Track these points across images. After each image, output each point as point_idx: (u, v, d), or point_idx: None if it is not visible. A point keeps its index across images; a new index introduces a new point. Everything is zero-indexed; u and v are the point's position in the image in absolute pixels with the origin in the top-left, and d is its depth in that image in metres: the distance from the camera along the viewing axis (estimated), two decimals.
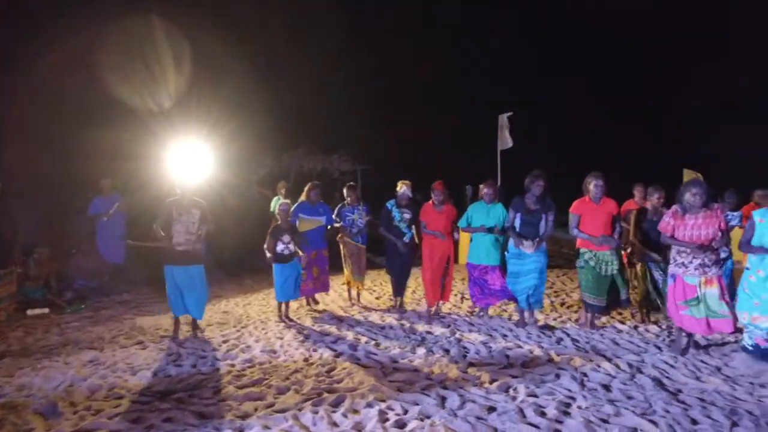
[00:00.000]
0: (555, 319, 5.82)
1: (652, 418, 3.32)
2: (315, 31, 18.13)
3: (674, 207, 4.52)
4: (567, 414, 3.37)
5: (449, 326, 5.52)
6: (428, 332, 5.32)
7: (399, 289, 6.21)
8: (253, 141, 13.43)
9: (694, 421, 3.29)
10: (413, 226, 6.13)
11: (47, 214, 7.86)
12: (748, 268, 4.32)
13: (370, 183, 15.23)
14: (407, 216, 6.00)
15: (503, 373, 4.09)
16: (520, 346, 4.83)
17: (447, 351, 4.68)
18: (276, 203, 7.52)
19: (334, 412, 3.44)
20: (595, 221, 5.14)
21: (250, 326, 5.61)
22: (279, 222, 5.78)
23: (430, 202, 5.90)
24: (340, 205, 6.55)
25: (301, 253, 5.78)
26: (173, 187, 5.39)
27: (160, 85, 11.16)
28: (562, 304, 6.57)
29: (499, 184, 10.10)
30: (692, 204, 4.36)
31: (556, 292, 7.31)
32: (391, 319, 5.84)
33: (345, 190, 6.59)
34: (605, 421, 3.27)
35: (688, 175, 12.88)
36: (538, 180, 5.24)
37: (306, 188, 6.29)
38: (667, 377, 4.05)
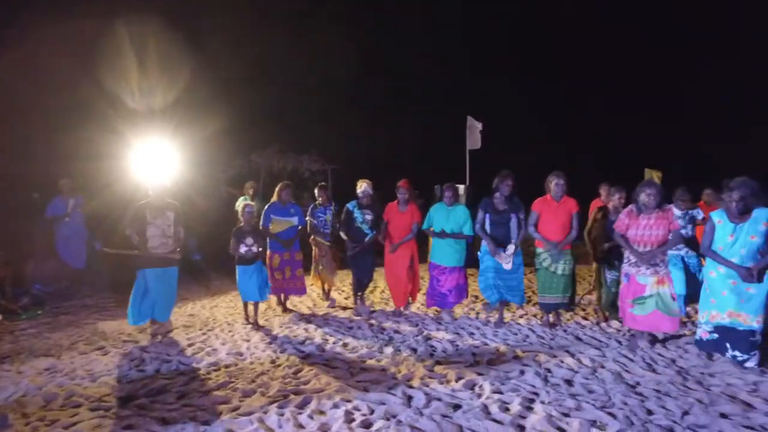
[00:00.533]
0: (522, 317, 5.92)
1: (611, 410, 3.41)
2: (285, 29, 17.98)
3: (630, 206, 4.63)
4: (530, 409, 3.44)
5: (417, 325, 5.56)
6: (396, 331, 5.35)
7: (360, 287, 6.17)
8: (223, 140, 13.24)
9: (650, 412, 3.40)
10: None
11: (1, 216, 7.57)
12: (706, 266, 4.40)
13: (341, 183, 15.19)
14: (369, 217, 5.95)
15: (469, 371, 4.15)
16: (486, 344, 4.90)
17: (414, 350, 4.71)
18: (242, 203, 7.42)
19: (300, 413, 3.42)
20: (555, 220, 5.21)
21: (217, 329, 5.53)
22: (242, 223, 5.67)
23: (395, 202, 5.89)
24: (312, 206, 6.52)
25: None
26: (140, 188, 5.27)
27: (124, 84, 10.89)
28: (529, 302, 6.68)
29: (467, 184, 10.24)
30: (647, 204, 4.45)
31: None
32: (359, 319, 5.84)
33: (316, 191, 6.57)
34: (566, 415, 3.35)
35: (649, 174, 13.31)
36: (507, 180, 5.28)
37: (277, 188, 6.22)
38: (626, 371, 4.17)
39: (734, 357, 4.11)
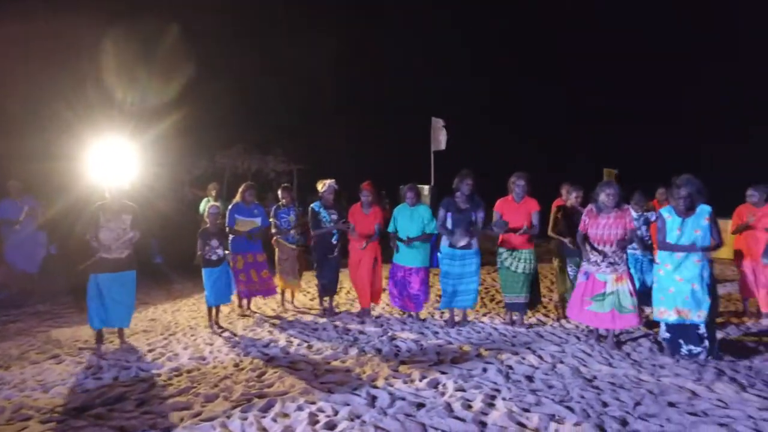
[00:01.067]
0: (485, 315, 6.03)
1: (569, 404, 3.53)
2: (250, 29, 17.74)
3: (590, 206, 4.76)
4: (492, 405, 3.51)
5: (382, 326, 5.59)
6: (361, 332, 5.36)
7: (327, 291, 6.11)
8: (186, 141, 12.96)
9: (605, 404, 3.53)
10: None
11: None
12: (657, 263, 4.53)
13: (306, 183, 15.09)
14: (335, 217, 5.92)
15: (433, 370, 4.20)
16: (450, 343, 4.97)
17: (379, 350, 4.74)
18: (205, 205, 7.28)
19: (264, 417, 3.39)
20: (516, 219, 5.28)
21: (179, 333, 5.42)
22: (207, 225, 5.58)
23: (358, 204, 5.89)
24: (275, 206, 6.45)
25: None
26: (97, 190, 5.09)
27: (80, 82, 10.52)
28: (492, 300, 6.81)
29: (432, 184, 10.34)
30: (606, 204, 4.59)
31: (486, 288, 7.57)
32: (324, 321, 5.83)
33: (280, 192, 6.51)
34: (527, 411, 3.44)
35: (608, 173, 13.75)
36: (467, 179, 5.32)
37: (240, 189, 6.14)
38: (584, 365, 4.31)
39: (690, 351, 4.31)
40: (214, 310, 5.60)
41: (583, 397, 3.66)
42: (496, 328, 5.45)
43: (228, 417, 3.40)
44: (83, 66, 10.48)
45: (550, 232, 5.74)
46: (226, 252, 5.55)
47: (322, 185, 5.95)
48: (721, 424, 3.22)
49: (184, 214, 10.57)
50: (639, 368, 4.21)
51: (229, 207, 6.04)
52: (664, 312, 4.39)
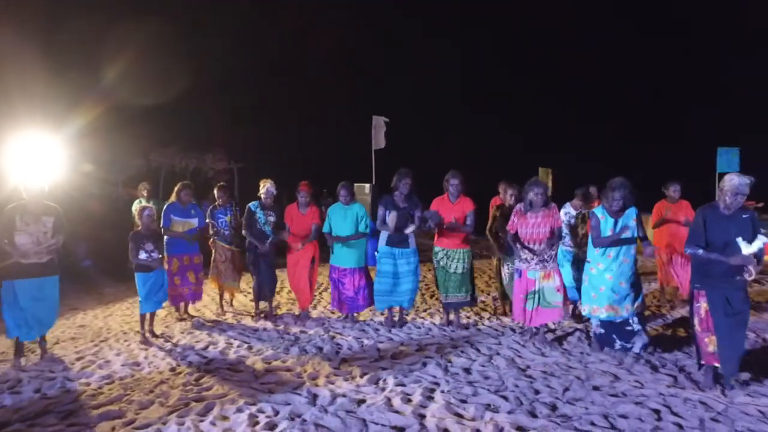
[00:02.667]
0: (425, 311, 6.16)
1: (504, 393, 3.69)
2: (190, 21, 17.15)
3: (519, 205, 4.86)
4: (431, 399, 3.61)
5: (324, 324, 5.59)
6: (302, 331, 5.35)
7: (263, 293, 5.92)
8: (119, 138, 12.35)
9: (537, 391, 3.73)
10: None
11: None
12: (588, 262, 4.60)
13: (247, 182, 14.78)
14: (272, 218, 5.79)
15: (374, 366, 4.26)
16: (391, 339, 5.06)
17: (320, 349, 4.75)
18: (137, 206, 6.97)
19: (202, 421, 3.33)
20: (451, 218, 5.26)
21: (111, 339, 5.19)
22: (140, 228, 5.24)
23: (294, 204, 5.79)
24: (211, 206, 6.28)
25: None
26: (14, 190, 4.73)
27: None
28: (432, 296, 6.96)
29: (373, 183, 10.43)
30: (535, 203, 4.70)
31: (427, 285, 7.72)
32: (264, 321, 5.76)
33: (216, 191, 6.32)
34: (464, 402, 3.57)
35: (543, 172, 14.35)
36: (406, 178, 5.29)
37: (176, 189, 5.92)
38: (518, 356, 4.51)
39: (623, 346, 4.47)
40: (147, 317, 5.30)
41: (517, 386, 3.83)
42: (435, 324, 5.58)
43: (164, 423, 3.31)
44: (6, 55, 9.76)
45: (487, 232, 5.79)
46: (160, 256, 5.28)
47: (263, 186, 5.81)
48: (637, 403, 3.50)
49: (119, 215, 10.07)
50: (569, 356, 4.47)
51: (165, 207, 5.83)
52: (597, 309, 4.48)
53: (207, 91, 16.63)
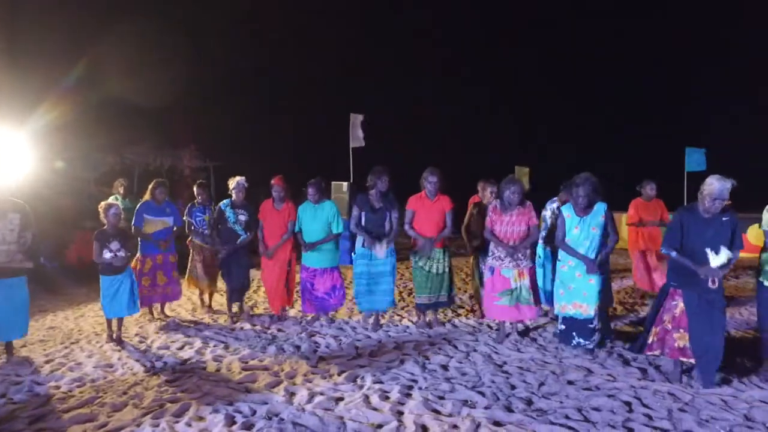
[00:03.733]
0: (403, 308, 6.19)
1: (481, 389, 3.73)
2: (166, 20, 16.82)
3: (494, 203, 4.85)
4: (409, 396, 3.63)
5: (301, 323, 5.56)
6: (280, 330, 5.32)
7: (234, 295, 5.72)
8: (91, 134, 12.05)
9: (513, 386, 3.78)
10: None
11: None
12: (559, 260, 4.59)
13: (223, 181, 14.61)
14: (243, 217, 5.60)
15: (352, 364, 4.26)
16: (369, 337, 5.06)
17: (298, 347, 4.73)
18: (110, 201, 6.80)
19: (177, 422, 3.28)
20: (430, 217, 5.18)
21: (82, 341, 5.07)
22: (106, 226, 4.92)
23: (270, 200, 5.60)
24: (190, 205, 6.17)
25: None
26: None
27: None
28: (410, 294, 6.99)
29: (351, 181, 10.40)
30: (511, 201, 4.69)
31: (404, 282, 7.76)
32: (241, 321, 5.70)
33: (195, 189, 6.22)
34: (441, 398, 3.59)
35: (519, 171, 14.53)
36: (382, 176, 5.17)
37: (150, 186, 5.79)
38: (495, 352, 4.57)
39: (579, 343, 4.45)
40: (114, 323, 5.01)
41: (493, 381, 3.88)
42: (413, 322, 5.61)
43: (138, 425, 3.25)
44: None
45: (462, 230, 5.74)
46: (128, 254, 4.95)
47: (232, 182, 5.64)
48: (610, 396, 3.59)
49: (91, 214, 9.82)
50: (544, 352, 4.54)
51: (138, 206, 5.71)
52: (566, 307, 4.50)
53: (183, 87, 16.35)
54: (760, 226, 4.05)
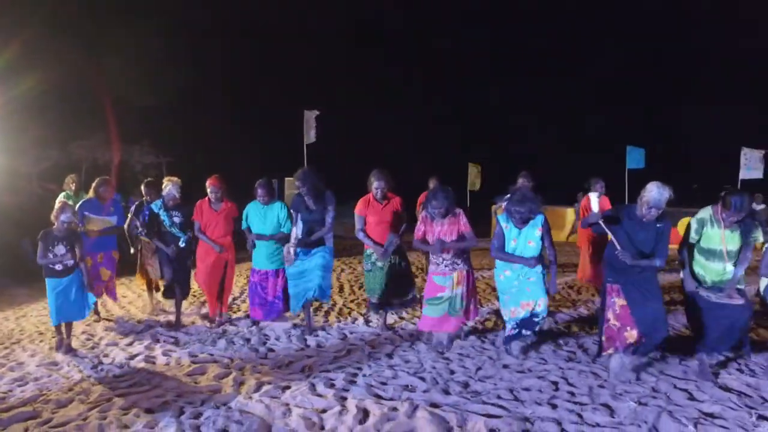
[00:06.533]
0: (353, 301, 6.36)
1: (422, 374, 3.96)
2: (123, 10, 16.29)
3: (423, 212, 4.56)
4: (353, 383, 3.81)
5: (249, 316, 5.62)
6: (231, 323, 5.39)
7: (171, 296, 5.44)
8: (32, 126, 11.61)
9: (452, 372, 4.03)
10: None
11: None
12: (496, 268, 4.46)
13: (177, 176, 14.34)
14: (177, 219, 5.34)
15: (300, 355, 4.41)
16: (323, 329, 5.21)
17: (248, 340, 4.83)
18: (64, 199, 6.60)
19: (126, 414, 3.34)
20: (380, 221, 4.94)
21: (24, 340, 4.99)
22: (54, 227, 4.55)
23: (206, 200, 5.37)
24: (137, 203, 6.09)
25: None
26: None
27: None
28: (361, 287, 7.16)
29: None
30: (434, 215, 4.41)
31: (356, 276, 7.93)
32: (192, 315, 5.74)
33: (143, 187, 6.11)
34: (384, 384, 3.79)
35: (472, 167, 14.94)
36: (308, 180, 4.81)
37: (94, 184, 5.65)
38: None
39: (525, 336, 4.38)
40: (63, 329, 4.67)
41: (434, 367, 4.11)
42: (361, 313, 5.79)
43: (84, 419, 3.28)
44: None
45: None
46: (74, 261, 4.61)
47: (165, 186, 5.37)
48: (540, 377, 3.89)
49: (33, 212, 9.49)
50: (483, 339, 4.82)
51: (79, 204, 5.54)
52: (515, 311, 4.33)
53: (134, 79, 15.89)
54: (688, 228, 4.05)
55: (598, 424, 3.16)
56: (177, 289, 5.41)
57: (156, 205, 5.38)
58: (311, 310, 5.32)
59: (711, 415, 3.27)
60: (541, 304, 4.28)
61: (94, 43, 15.41)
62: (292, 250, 4.90)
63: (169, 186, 5.36)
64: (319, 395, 3.57)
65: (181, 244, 5.38)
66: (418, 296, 5.24)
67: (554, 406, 3.40)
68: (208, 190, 5.37)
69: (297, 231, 4.90)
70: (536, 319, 4.36)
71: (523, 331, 4.36)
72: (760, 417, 3.24)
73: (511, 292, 4.35)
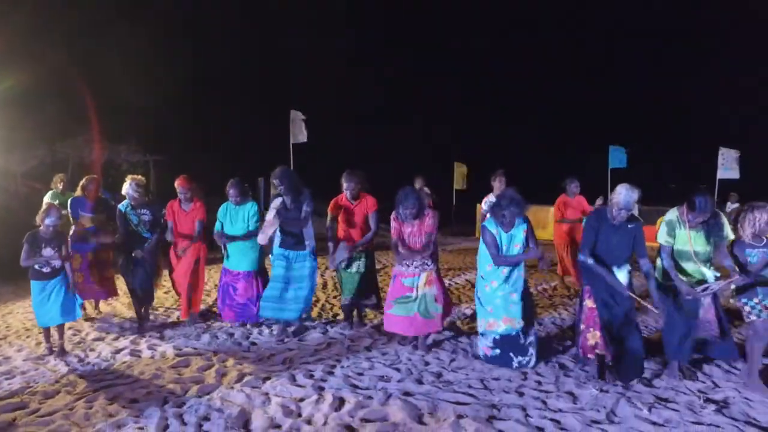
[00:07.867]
0: (335, 298, 6.51)
1: (398, 366, 4.14)
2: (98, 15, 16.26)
3: (394, 213, 4.50)
4: (331, 374, 3.98)
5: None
6: (215, 317, 5.54)
7: (137, 298, 5.26)
8: (18, 124, 11.58)
9: (427, 363, 4.21)
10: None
11: None
12: (482, 278, 4.33)
13: (164, 176, 14.38)
14: (146, 218, 5.22)
15: (281, 349, 4.57)
16: (304, 323, 5.36)
17: (231, 335, 4.98)
18: (52, 198, 6.66)
19: (111, 404, 3.47)
20: (351, 221, 5.01)
21: (11, 336, 5.08)
22: (40, 228, 4.45)
23: (176, 200, 5.36)
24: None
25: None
26: None
27: None
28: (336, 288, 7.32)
29: None
30: (405, 216, 4.41)
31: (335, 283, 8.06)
32: (178, 312, 5.86)
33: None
34: (361, 374, 3.96)
35: (458, 167, 15.14)
36: (284, 180, 4.80)
37: (82, 182, 5.73)
38: None
39: (520, 363, 4.13)
40: (53, 331, 4.62)
41: (410, 359, 4.29)
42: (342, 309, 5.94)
43: (71, 409, 3.41)
44: None
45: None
46: (61, 264, 4.54)
47: (124, 186, 5.26)
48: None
49: (20, 211, 9.50)
50: (459, 330, 5.01)
51: (70, 202, 5.64)
52: (494, 324, 4.20)
53: (121, 76, 15.89)
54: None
55: (560, 410, 3.36)
56: (137, 293, 5.22)
57: (123, 205, 5.24)
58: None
59: (666, 400, 3.48)
60: (521, 323, 4.13)
61: (80, 42, 15.39)
62: (272, 214, 4.78)
63: (126, 184, 5.21)
64: (298, 385, 3.74)
65: (147, 244, 5.17)
66: (381, 304, 5.14)
67: (521, 394, 3.60)
68: (177, 191, 5.32)
69: (270, 215, 4.78)
70: (523, 342, 4.15)
71: (512, 355, 4.12)
72: (708, 400, 3.47)
73: (494, 304, 4.20)
